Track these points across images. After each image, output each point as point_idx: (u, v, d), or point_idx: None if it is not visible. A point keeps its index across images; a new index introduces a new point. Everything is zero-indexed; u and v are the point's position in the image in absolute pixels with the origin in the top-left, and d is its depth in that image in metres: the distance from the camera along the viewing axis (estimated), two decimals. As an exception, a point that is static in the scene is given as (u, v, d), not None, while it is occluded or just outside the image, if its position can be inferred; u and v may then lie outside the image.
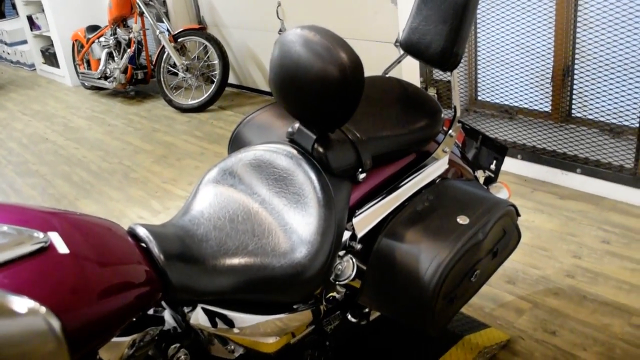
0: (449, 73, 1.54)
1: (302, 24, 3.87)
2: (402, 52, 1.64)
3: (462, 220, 1.38)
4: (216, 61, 4.81)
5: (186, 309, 1.21)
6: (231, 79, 5.36)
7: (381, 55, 3.86)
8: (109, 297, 1.00)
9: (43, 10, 6.49)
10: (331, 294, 1.41)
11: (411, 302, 1.33)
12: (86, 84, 5.98)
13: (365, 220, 1.42)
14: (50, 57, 6.83)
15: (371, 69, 3.86)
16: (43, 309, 0.65)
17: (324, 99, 1.22)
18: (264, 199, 1.32)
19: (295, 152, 1.35)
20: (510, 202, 1.50)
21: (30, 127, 5.11)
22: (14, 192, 3.71)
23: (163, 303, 1.24)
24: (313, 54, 1.21)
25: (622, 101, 2.75)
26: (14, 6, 8.36)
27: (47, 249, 0.98)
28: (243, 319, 1.25)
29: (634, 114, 2.73)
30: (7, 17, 8.54)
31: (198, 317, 1.21)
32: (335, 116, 1.24)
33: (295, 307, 1.34)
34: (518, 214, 1.54)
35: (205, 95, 4.88)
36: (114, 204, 3.35)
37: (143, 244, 1.15)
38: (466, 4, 1.42)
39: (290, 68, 1.26)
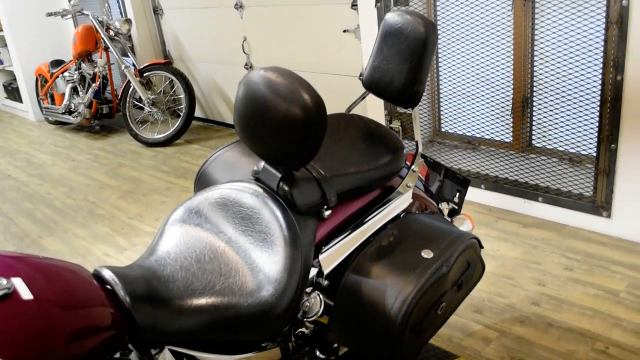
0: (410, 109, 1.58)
1: (268, 58, 3.90)
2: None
3: (427, 254, 1.41)
4: (182, 95, 4.82)
5: (153, 351, 1.20)
6: (197, 113, 5.37)
7: (346, 88, 3.92)
8: (75, 343, 0.99)
9: (6, 45, 6.43)
10: (299, 331, 1.41)
11: (378, 336, 1.34)
12: (50, 118, 5.92)
13: (332, 257, 1.43)
14: (13, 92, 6.75)
15: (336, 102, 3.92)
16: None
17: (287, 139, 1.24)
18: (231, 238, 1.32)
19: (260, 190, 1.36)
20: (472, 235, 1.53)
21: (-8, 163, 5.03)
22: (-25, 231, 3.63)
23: (130, 345, 1.22)
24: (276, 95, 1.24)
25: (579, 131, 2.84)
26: (-25, 41, 8.26)
27: (11, 295, 0.97)
28: (211, 359, 1.25)
29: (590, 142, 2.82)
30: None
31: (165, 359, 1.20)
32: (299, 155, 1.26)
33: (263, 345, 1.34)
34: (481, 246, 1.57)
35: (172, 130, 4.88)
36: (79, 242, 3.31)
37: (108, 286, 1.15)
38: (425, 44, 1.47)
39: (254, 109, 1.28)
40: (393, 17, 1.53)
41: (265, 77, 1.27)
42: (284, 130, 1.23)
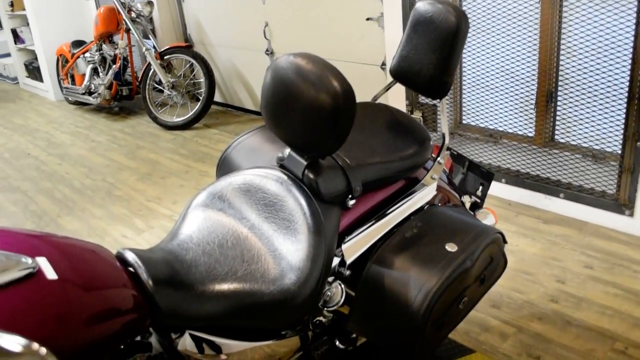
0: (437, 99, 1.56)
1: (289, 44, 3.85)
2: (390, 77, 1.66)
3: (451, 247, 1.39)
4: (202, 79, 4.81)
5: (174, 335, 1.20)
6: (217, 97, 5.36)
7: (367, 78, 3.89)
8: (98, 324, 0.99)
9: (28, 24, 6.46)
10: (317, 320, 1.40)
11: (400, 329, 1.33)
12: (70, 98, 5.94)
13: (355, 247, 1.42)
14: (34, 71, 6.79)
15: (357, 91, 3.88)
16: (44, 351, 0.64)
17: (315, 127, 1.23)
18: (254, 224, 1.31)
19: (285, 177, 1.35)
20: (497, 229, 1.51)
21: (12, 141, 5.06)
22: (-5, 208, 3.66)
23: (150, 329, 1.22)
24: (305, 81, 1.22)
25: (604, 127, 2.79)
26: (-3, 19, 8.30)
27: (35, 275, 0.97)
28: (230, 346, 1.25)
29: (615, 140, 2.77)
30: (-10, 30, 8.48)
31: (186, 344, 1.20)
32: (326, 143, 1.25)
33: (283, 333, 1.33)
34: (505, 241, 1.55)
35: (191, 113, 4.87)
36: (97, 222, 3.32)
37: (131, 269, 1.14)
38: (455, 35, 1.44)
39: (283, 95, 1.27)
40: (424, 5, 1.51)
41: (294, 63, 1.26)
42: (312, 117, 1.22)
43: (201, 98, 4.83)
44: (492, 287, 2.35)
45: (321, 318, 1.40)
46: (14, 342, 0.62)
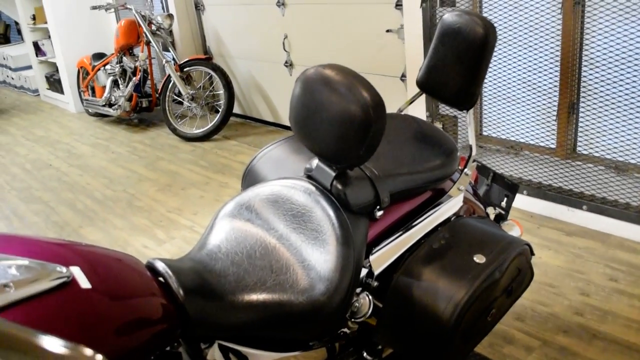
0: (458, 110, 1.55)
1: (308, 56, 3.86)
2: (410, 89, 1.66)
3: (479, 259, 1.38)
4: (221, 91, 4.85)
5: (203, 345, 1.20)
6: (236, 109, 5.39)
7: (387, 89, 3.90)
8: (130, 334, 1.00)
9: (49, 37, 6.55)
10: (346, 331, 1.40)
11: (428, 340, 1.32)
12: (90, 110, 6.01)
13: (382, 258, 1.42)
14: (54, 83, 6.88)
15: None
16: (100, 357, 0.63)
17: (345, 138, 1.23)
18: (282, 235, 1.32)
19: (313, 188, 1.35)
20: (525, 241, 1.50)
21: (34, 152, 5.12)
22: (17, 219, 3.70)
23: (180, 339, 1.23)
24: (335, 92, 1.23)
25: (627, 138, 2.77)
26: (19, 31, 8.44)
27: (70, 284, 0.98)
28: (258, 356, 1.25)
29: (639, 151, 2.75)
30: (12, 43, 8.62)
31: (215, 354, 1.20)
32: (356, 154, 1.25)
33: (310, 344, 1.33)
34: (532, 253, 1.54)
35: (210, 125, 4.91)
36: (118, 233, 3.34)
37: (161, 279, 1.15)
38: (483, 46, 1.44)
39: (312, 106, 1.27)
40: (451, 17, 1.51)
41: (324, 74, 1.26)
42: (343, 128, 1.22)
43: (220, 110, 4.87)
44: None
45: (348, 330, 1.40)
46: (64, 347, 0.62)
